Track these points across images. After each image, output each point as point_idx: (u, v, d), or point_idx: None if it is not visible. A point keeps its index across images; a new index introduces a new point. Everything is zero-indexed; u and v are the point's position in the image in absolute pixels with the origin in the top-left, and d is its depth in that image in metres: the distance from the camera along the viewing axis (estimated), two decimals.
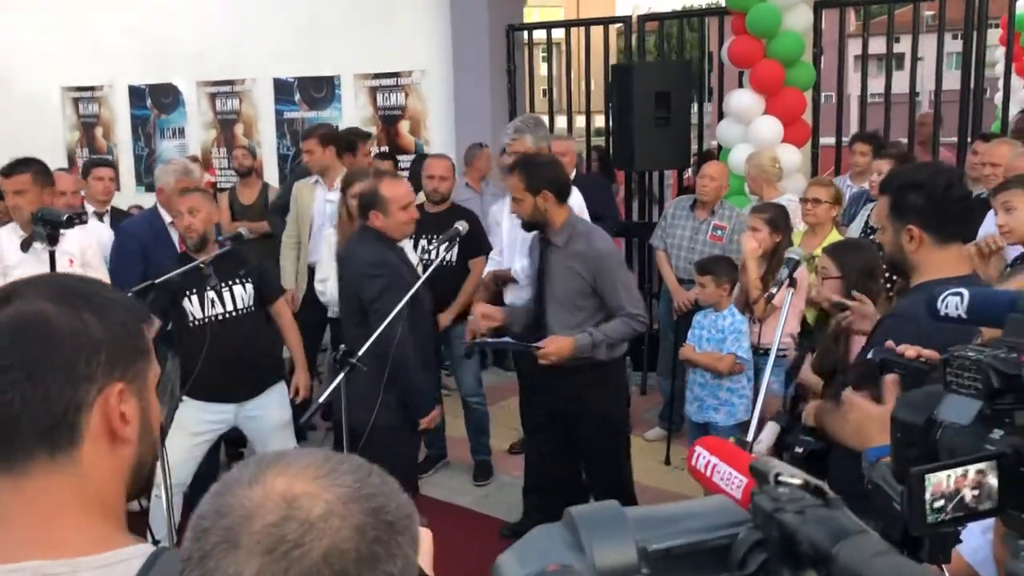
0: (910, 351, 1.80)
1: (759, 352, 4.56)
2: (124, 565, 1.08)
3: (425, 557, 1.02)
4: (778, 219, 4.70)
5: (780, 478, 0.84)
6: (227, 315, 4.31)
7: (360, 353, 3.90)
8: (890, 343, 1.84)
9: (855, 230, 5.26)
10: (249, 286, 4.38)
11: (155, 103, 9.03)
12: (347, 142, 6.18)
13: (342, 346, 3.93)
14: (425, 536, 1.04)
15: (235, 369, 4.29)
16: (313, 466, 0.89)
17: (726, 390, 4.69)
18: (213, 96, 8.71)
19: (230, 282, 4.33)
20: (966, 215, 2.48)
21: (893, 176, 2.61)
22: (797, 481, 0.83)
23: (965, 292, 1.55)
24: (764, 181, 5.77)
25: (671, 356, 5.78)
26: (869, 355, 1.89)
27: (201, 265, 4.22)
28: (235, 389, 4.36)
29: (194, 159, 7.51)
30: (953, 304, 1.55)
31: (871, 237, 4.92)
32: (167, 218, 5.00)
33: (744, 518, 0.85)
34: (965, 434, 1.22)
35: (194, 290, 4.27)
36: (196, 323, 4.28)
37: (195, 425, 4.36)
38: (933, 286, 2.41)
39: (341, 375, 3.87)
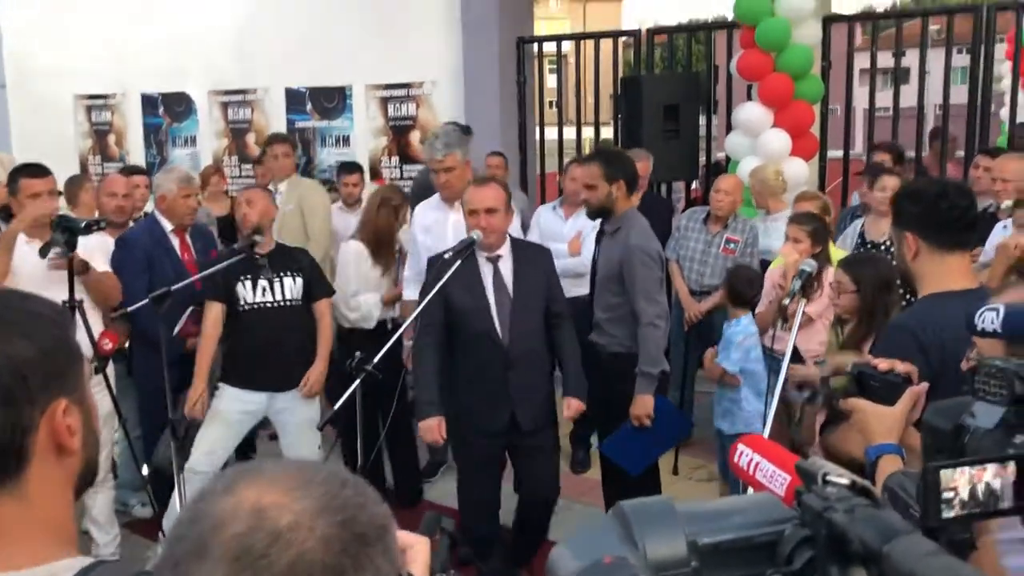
0: (883, 364, 1.87)
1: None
2: None
3: (420, 567, 1.03)
4: (820, 230, 4.72)
5: (828, 478, 0.88)
6: (274, 304, 4.59)
7: (376, 360, 3.97)
8: (867, 356, 1.91)
9: (848, 245, 5.29)
10: (299, 279, 4.65)
11: (167, 111, 9.09)
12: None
13: (358, 353, 3.99)
14: (421, 547, 1.05)
15: (270, 357, 4.54)
16: (286, 477, 0.91)
17: (728, 399, 4.74)
18: (225, 105, 8.77)
19: (281, 274, 4.62)
20: (959, 223, 2.51)
21: (897, 190, 2.73)
22: (845, 481, 0.87)
23: (1001, 307, 1.61)
24: (769, 194, 5.82)
25: (681, 366, 5.81)
26: (848, 367, 1.96)
27: (257, 257, 4.55)
28: (267, 377, 4.58)
29: (217, 169, 7.57)
30: (990, 319, 1.61)
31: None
32: (167, 226, 5.00)
33: (789, 515, 0.88)
34: (989, 438, 1.27)
35: (248, 276, 4.55)
36: (245, 307, 4.56)
37: (231, 413, 4.59)
38: (935, 298, 2.48)
39: (356, 382, 3.92)
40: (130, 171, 6.18)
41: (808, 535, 0.86)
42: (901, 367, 1.86)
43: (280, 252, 4.68)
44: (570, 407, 4.26)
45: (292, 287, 4.64)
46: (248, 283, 4.56)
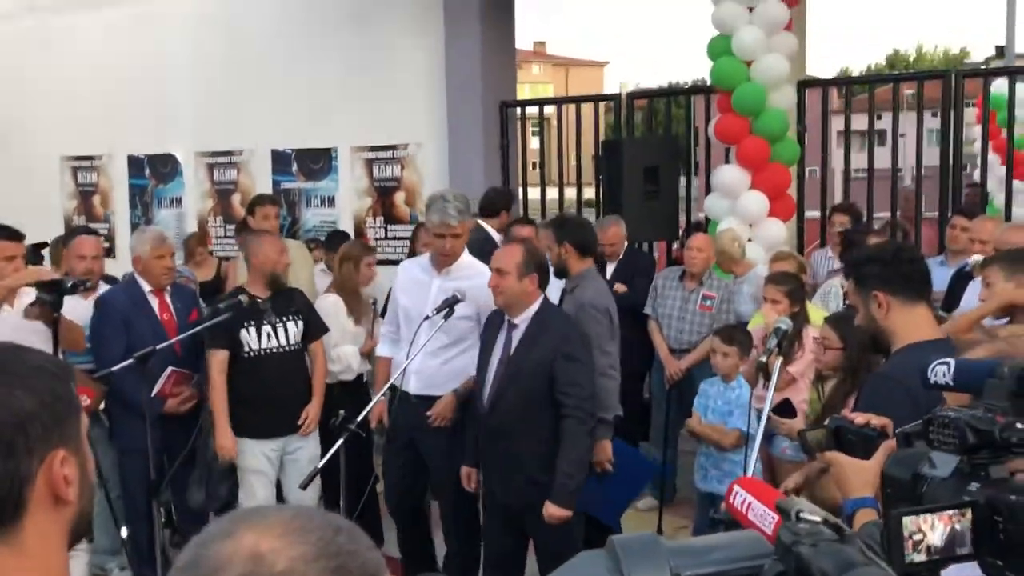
0: (859, 418, 1.94)
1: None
2: None
3: None
4: (796, 290, 4.81)
5: (802, 515, 0.93)
6: (279, 349, 4.67)
7: (359, 419, 3.99)
8: (845, 411, 1.98)
9: (832, 305, 5.36)
10: (300, 323, 4.75)
11: (153, 172, 9.16)
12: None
13: (341, 412, 4.01)
14: None
15: (279, 403, 4.63)
16: (282, 523, 0.93)
17: (729, 462, 4.70)
18: (211, 166, 8.85)
19: (284, 318, 4.70)
20: (920, 274, 2.72)
21: (850, 260, 2.89)
22: (817, 518, 0.92)
23: (952, 361, 1.67)
24: (728, 261, 5.94)
25: (663, 426, 5.83)
26: (826, 421, 2.03)
27: (259, 301, 4.62)
28: (279, 423, 4.66)
29: (202, 237, 7.61)
30: (941, 372, 1.68)
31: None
32: (146, 286, 4.97)
33: (770, 551, 0.93)
34: (945, 486, 1.32)
35: (252, 322, 4.61)
36: (251, 354, 4.62)
37: (259, 464, 4.66)
38: (915, 348, 2.55)
39: (340, 441, 3.93)
40: (81, 231, 6.17)
41: (783, 570, 0.90)
42: (876, 421, 1.91)
43: (280, 295, 4.76)
44: (546, 510, 3.88)
45: (295, 331, 4.74)
46: (252, 329, 4.62)
